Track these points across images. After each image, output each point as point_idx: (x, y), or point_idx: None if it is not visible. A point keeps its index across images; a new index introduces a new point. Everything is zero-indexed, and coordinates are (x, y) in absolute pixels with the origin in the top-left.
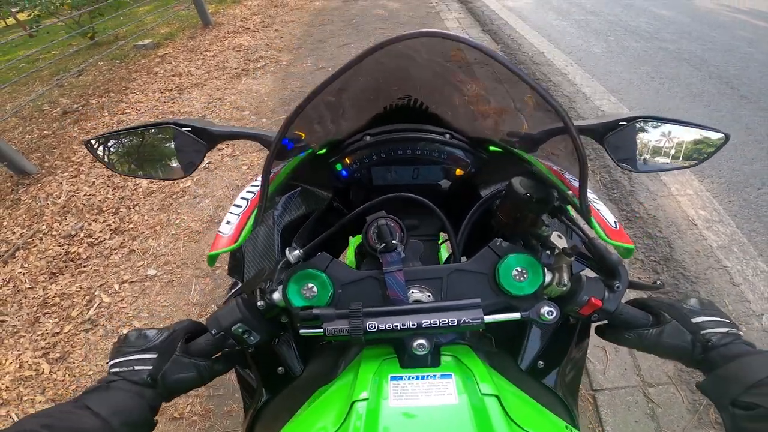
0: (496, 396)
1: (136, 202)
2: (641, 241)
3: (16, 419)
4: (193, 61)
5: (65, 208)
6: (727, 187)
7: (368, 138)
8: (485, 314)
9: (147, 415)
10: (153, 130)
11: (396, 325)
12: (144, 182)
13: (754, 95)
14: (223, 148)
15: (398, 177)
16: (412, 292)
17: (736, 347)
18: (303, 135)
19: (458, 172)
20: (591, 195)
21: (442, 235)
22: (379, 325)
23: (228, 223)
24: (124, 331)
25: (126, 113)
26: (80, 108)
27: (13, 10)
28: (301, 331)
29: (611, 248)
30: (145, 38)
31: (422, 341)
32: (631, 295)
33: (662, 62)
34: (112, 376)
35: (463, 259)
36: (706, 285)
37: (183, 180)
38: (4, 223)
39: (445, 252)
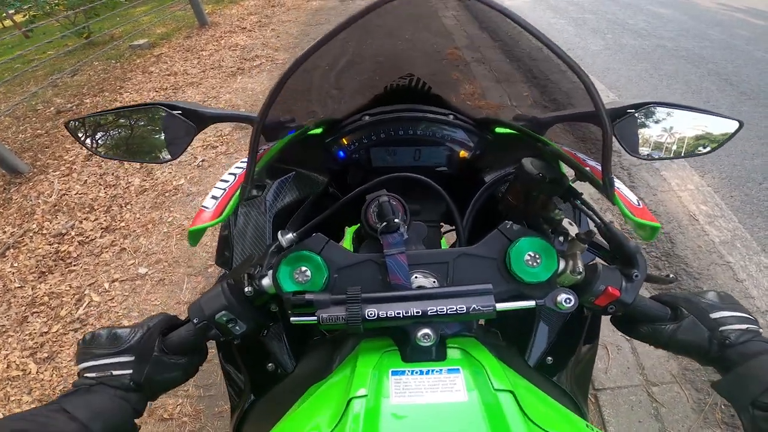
0: (511, 392)
1: (128, 201)
2: None
3: None
4: (188, 60)
5: (56, 207)
6: (729, 182)
7: (367, 118)
8: (496, 302)
9: (130, 420)
10: (139, 112)
11: (399, 313)
12: (136, 180)
13: (754, 92)
14: (217, 146)
15: (399, 159)
16: (416, 277)
17: (755, 345)
18: (296, 112)
19: (462, 154)
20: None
21: (444, 225)
22: (380, 313)
23: (213, 197)
24: (90, 330)
25: None
26: (74, 107)
27: (10, 12)
28: (293, 318)
29: (629, 235)
30: (140, 38)
31: (427, 331)
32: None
33: (661, 59)
34: (89, 380)
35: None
36: (710, 281)
37: (176, 179)
38: None
39: (446, 243)
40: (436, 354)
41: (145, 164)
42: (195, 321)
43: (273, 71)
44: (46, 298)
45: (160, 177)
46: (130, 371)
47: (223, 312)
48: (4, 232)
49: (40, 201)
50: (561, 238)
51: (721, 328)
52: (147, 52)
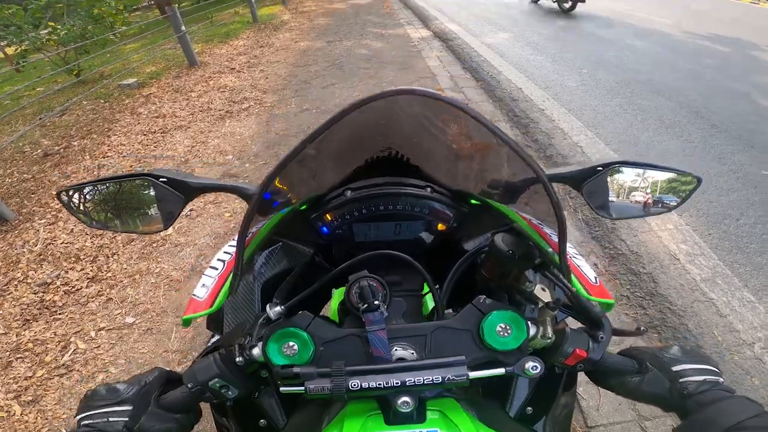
0: None
1: (114, 251)
2: (625, 277)
3: None
4: (177, 101)
5: (41, 256)
6: (706, 219)
7: (349, 193)
8: (470, 370)
9: None
10: (129, 182)
11: (380, 384)
12: None
13: (724, 123)
14: (205, 195)
15: (380, 233)
16: (396, 349)
17: (712, 394)
18: (284, 189)
19: (440, 226)
20: (571, 250)
21: (426, 286)
22: (362, 384)
23: (203, 286)
24: (92, 386)
25: (107, 157)
26: (61, 150)
27: (2, 44)
28: (282, 388)
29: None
30: (130, 77)
31: (407, 399)
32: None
33: (634, 93)
34: (83, 428)
35: (449, 311)
36: (694, 318)
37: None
38: None
39: (430, 301)
40: (417, 417)
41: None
42: (189, 386)
43: (261, 115)
44: (30, 345)
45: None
46: (126, 419)
47: (216, 379)
48: None
49: (25, 250)
50: (532, 307)
51: (681, 380)
52: (136, 91)
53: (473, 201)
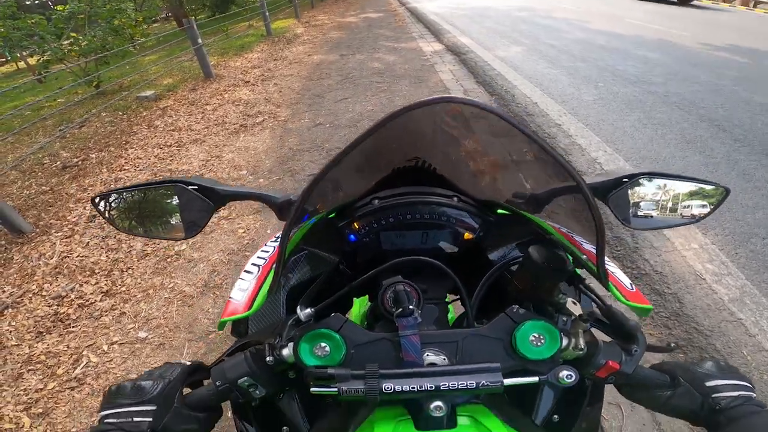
0: None
1: (129, 265)
2: (649, 297)
3: None
4: (193, 114)
5: (57, 269)
6: (732, 238)
7: (376, 202)
8: (503, 377)
9: None
10: (159, 189)
11: (413, 387)
12: (138, 245)
13: (747, 138)
14: (219, 210)
15: (406, 241)
16: (427, 354)
17: (744, 408)
18: (314, 200)
19: (466, 235)
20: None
21: (449, 296)
22: (396, 387)
23: (240, 290)
24: (116, 382)
25: (124, 170)
26: (79, 163)
27: (24, 53)
28: (313, 389)
29: (628, 313)
30: (147, 89)
31: (439, 403)
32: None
33: (653, 107)
34: (107, 425)
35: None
36: (722, 338)
37: (178, 243)
38: None
39: (452, 312)
40: (447, 423)
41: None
42: (218, 384)
43: (275, 129)
44: (42, 357)
45: (162, 242)
46: (150, 419)
47: (245, 378)
48: (4, 292)
49: (41, 262)
50: (565, 319)
51: (713, 395)
52: (153, 104)
53: (500, 211)
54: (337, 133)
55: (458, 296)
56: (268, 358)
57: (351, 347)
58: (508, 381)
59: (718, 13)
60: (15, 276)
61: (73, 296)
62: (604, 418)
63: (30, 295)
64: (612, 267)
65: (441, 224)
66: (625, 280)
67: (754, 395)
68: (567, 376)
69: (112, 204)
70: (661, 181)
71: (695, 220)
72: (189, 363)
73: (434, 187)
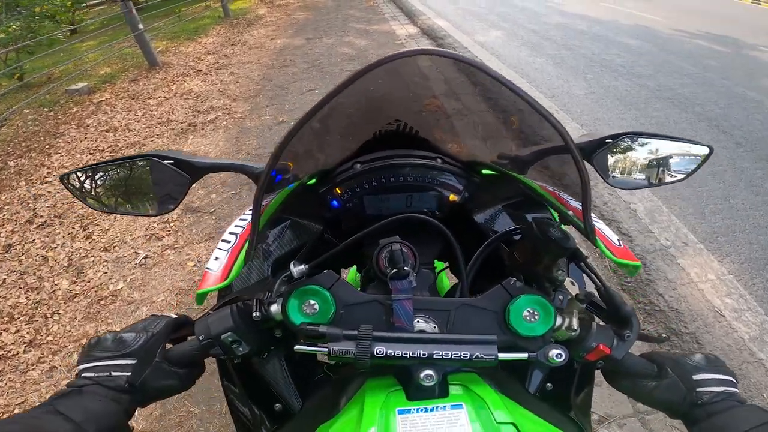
0: (513, 424)
1: (55, 309)
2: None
3: None
4: (132, 111)
5: None
6: (749, 266)
7: (358, 166)
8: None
9: (123, 421)
10: (132, 164)
11: (406, 353)
12: (64, 283)
13: (748, 141)
14: (163, 237)
15: (391, 205)
16: (417, 321)
17: (723, 404)
18: (291, 165)
19: (452, 197)
20: (592, 215)
21: (439, 263)
22: (388, 351)
23: (216, 259)
24: (97, 334)
25: (46, 182)
26: None
27: None
28: (297, 347)
29: (625, 299)
30: (79, 81)
31: (430, 372)
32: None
33: (647, 104)
34: (83, 380)
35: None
36: (743, 380)
37: (113, 281)
38: None
39: (446, 281)
40: (440, 391)
41: (136, 218)
42: (201, 338)
43: (230, 128)
44: None
45: (93, 279)
46: (129, 373)
47: (229, 333)
48: None
49: None
50: (561, 297)
51: (698, 389)
52: (85, 98)
53: (485, 171)
54: None
55: (447, 264)
56: (255, 314)
57: (341, 307)
58: (500, 356)
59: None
60: None
61: None
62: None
63: None
64: (599, 224)
65: (425, 186)
66: (613, 237)
67: (738, 391)
68: (557, 355)
69: (84, 181)
70: (645, 141)
71: (679, 179)
72: (175, 316)
73: (417, 150)
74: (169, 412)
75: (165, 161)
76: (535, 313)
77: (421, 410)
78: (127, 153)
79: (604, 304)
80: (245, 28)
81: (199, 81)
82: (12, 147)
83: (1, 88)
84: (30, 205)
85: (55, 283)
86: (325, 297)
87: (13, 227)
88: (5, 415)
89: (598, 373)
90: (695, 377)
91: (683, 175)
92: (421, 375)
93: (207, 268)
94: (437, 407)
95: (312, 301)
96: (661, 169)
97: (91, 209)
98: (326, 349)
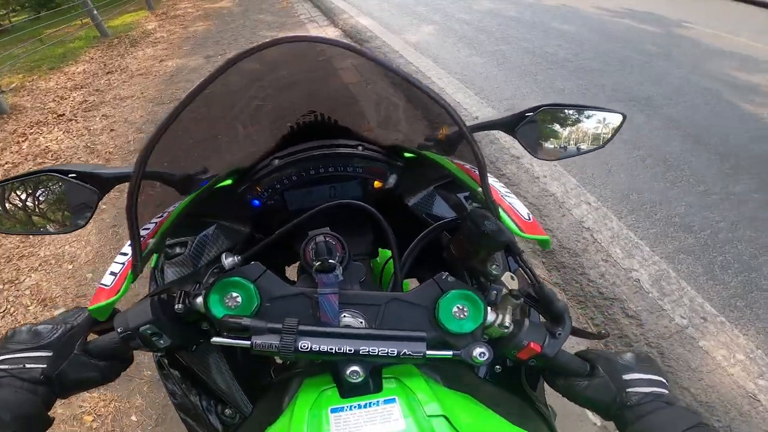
0: (444, 416)
1: None
2: None
3: None
4: None
5: None
6: None
7: (276, 162)
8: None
9: (41, 411)
10: (36, 180)
11: (331, 348)
12: None
13: (733, 155)
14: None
15: (315, 198)
16: (344, 316)
17: (651, 405)
18: (205, 167)
19: (377, 184)
20: (503, 189)
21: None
22: (313, 346)
23: (112, 273)
24: (14, 327)
25: None
26: None
27: None
28: (216, 339)
29: (560, 295)
30: None
31: (356, 368)
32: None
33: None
34: None
35: (411, 280)
36: None
37: None
38: None
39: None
40: (374, 386)
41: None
42: (119, 330)
43: (103, 213)
44: None
45: None
46: (44, 365)
47: (148, 326)
48: None
49: None
50: (495, 292)
51: (627, 389)
52: None
53: (407, 155)
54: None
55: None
56: (177, 306)
57: (266, 300)
58: (428, 353)
59: None
60: None
61: None
62: None
63: None
64: (511, 198)
65: (348, 175)
66: (523, 211)
67: (667, 392)
68: (480, 354)
69: None
70: (564, 112)
71: (599, 146)
72: None
73: (338, 139)
74: None
75: (69, 175)
76: (465, 309)
77: (355, 407)
78: None
79: (537, 299)
80: (128, 49)
81: (61, 132)
82: None
83: None
84: None
85: None
86: (248, 289)
87: None
88: None
89: None
90: (625, 377)
91: (603, 142)
92: (348, 371)
93: (100, 284)
94: (371, 403)
95: (234, 294)
96: (581, 137)
97: None
98: (249, 343)
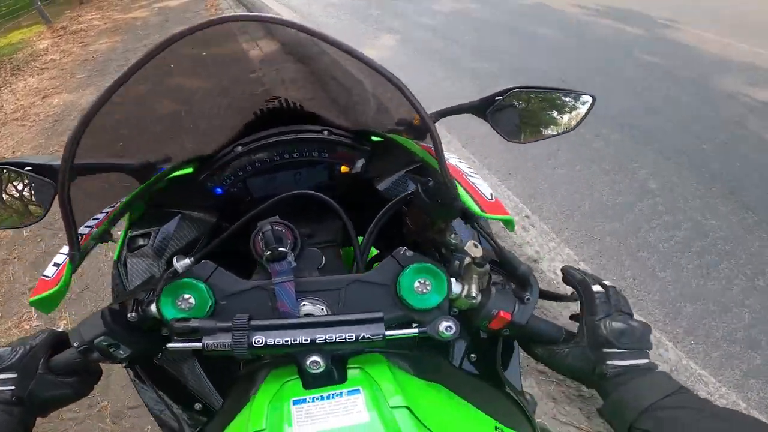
0: (406, 407)
1: None
2: None
3: None
4: None
5: None
6: None
7: (239, 148)
8: (387, 328)
9: (19, 430)
10: None
11: (287, 341)
12: None
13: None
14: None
15: (279, 185)
16: (304, 304)
17: (631, 373)
18: (166, 156)
19: (343, 168)
20: (467, 169)
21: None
22: (267, 340)
23: (54, 264)
24: None
25: None
26: None
27: None
28: (171, 345)
29: (522, 258)
30: None
31: (316, 358)
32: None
33: (620, 150)
34: None
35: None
36: None
37: None
38: None
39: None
40: (338, 377)
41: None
42: (76, 345)
43: None
44: None
45: None
46: (13, 387)
47: (103, 337)
48: None
49: None
50: (458, 262)
51: (607, 362)
52: None
53: (374, 138)
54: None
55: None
56: (130, 315)
57: (221, 298)
58: (389, 333)
59: None
60: None
61: None
62: None
63: None
64: (474, 178)
65: (313, 161)
66: (486, 191)
67: (647, 361)
68: (447, 327)
69: None
70: (534, 94)
71: (569, 128)
72: (60, 331)
73: (304, 125)
74: None
75: (24, 168)
76: (427, 282)
77: (318, 399)
78: None
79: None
80: (6, 79)
81: None
82: None
83: None
84: None
85: None
86: (200, 289)
87: None
88: None
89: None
90: (606, 350)
91: (574, 124)
92: (308, 362)
93: (42, 276)
94: (334, 394)
95: (186, 295)
96: (552, 120)
97: None
98: (200, 345)
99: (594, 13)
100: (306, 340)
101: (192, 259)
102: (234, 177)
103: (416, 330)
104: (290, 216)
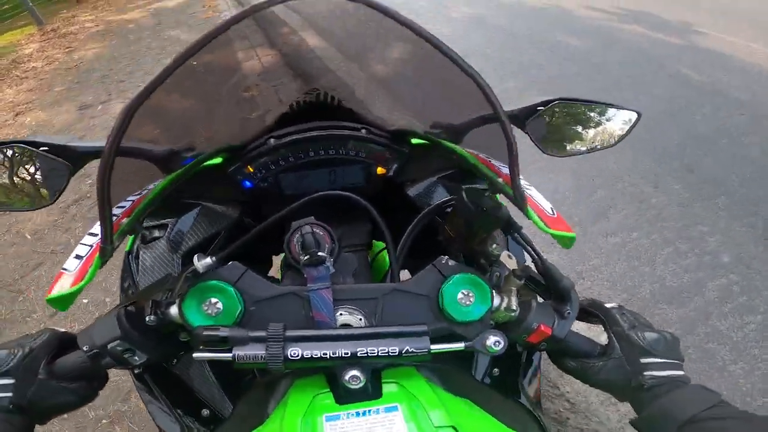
0: (452, 427)
1: None
2: None
3: None
4: None
5: None
6: None
7: (272, 141)
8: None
9: None
10: (2, 152)
11: (325, 353)
12: None
13: None
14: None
15: (312, 182)
16: (341, 314)
17: (666, 386)
18: (194, 145)
19: (380, 170)
20: (523, 182)
21: (377, 244)
22: (304, 353)
23: (77, 257)
24: None
25: None
26: None
27: None
28: (196, 354)
29: (564, 272)
30: None
31: (355, 373)
32: None
33: (683, 206)
34: None
35: (404, 271)
36: None
37: None
38: None
39: (383, 262)
40: (373, 391)
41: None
42: (85, 349)
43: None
44: None
45: None
46: (10, 394)
47: (118, 342)
48: None
49: None
50: (498, 273)
51: (644, 372)
52: None
53: (415, 141)
54: None
55: (386, 247)
56: (149, 318)
57: (250, 304)
58: (434, 347)
59: None
60: None
61: None
62: None
63: None
64: (532, 191)
65: (349, 159)
66: (546, 206)
67: (683, 373)
68: (495, 343)
69: None
70: (576, 107)
71: (611, 144)
72: (62, 331)
73: (340, 120)
74: None
75: (40, 148)
76: (470, 294)
77: (352, 415)
78: None
79: (542, 279)
80: None
81: None
82: None
83: None
84: None
85: None
86: (229, 294)
87: None
88: None
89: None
90: (643, 360)
91: (615, 141)
92: (346, 377)
93: (63, 269)
94: (370, 411)
95: (214, 300)
96: (593, 135)
97: None
98: (231, 356)
99: (617, 19)
100: (346, 354)
101: (214, 259)
102: (266, 170)
103: (462, 344)
104: (322, 217)
